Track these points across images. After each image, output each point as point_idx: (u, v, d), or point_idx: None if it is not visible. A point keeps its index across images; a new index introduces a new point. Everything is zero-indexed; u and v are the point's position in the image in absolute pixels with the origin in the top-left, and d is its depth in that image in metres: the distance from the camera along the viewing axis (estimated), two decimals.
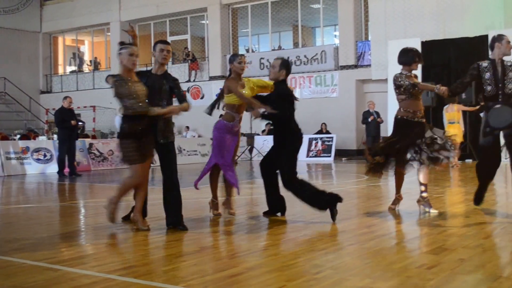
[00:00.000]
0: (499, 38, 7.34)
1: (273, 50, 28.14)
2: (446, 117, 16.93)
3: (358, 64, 25.08)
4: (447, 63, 20.61)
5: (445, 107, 17.28)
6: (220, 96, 7.11)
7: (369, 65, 24.28)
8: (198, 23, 29.81)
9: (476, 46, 20.10)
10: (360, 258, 4.75)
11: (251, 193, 10.38)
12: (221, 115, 7.16)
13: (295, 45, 28.75)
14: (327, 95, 25.28)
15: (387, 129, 20.89)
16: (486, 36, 19.90)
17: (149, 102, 6.02)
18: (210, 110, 7.19)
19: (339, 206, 6.65)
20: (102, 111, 27.59)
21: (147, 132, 5.99)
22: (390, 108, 20.98)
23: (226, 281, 4.06)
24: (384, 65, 22.19)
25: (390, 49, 21.52)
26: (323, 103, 25.02)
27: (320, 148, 22.18)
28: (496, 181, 11.92)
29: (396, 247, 5.24)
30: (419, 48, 20.90)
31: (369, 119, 19.96)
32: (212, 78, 27.41)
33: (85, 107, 27.08)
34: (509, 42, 7.28)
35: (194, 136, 25.07)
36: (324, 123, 23.65)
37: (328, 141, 22.20)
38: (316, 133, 23.24)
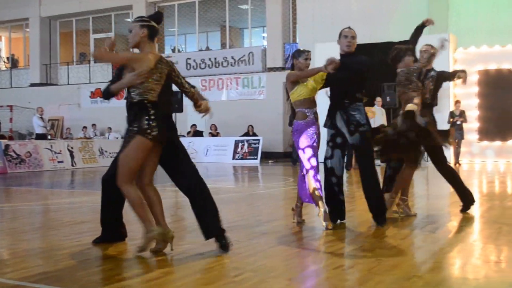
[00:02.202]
0: None
1: (200, 50, 28.12)
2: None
3: (285, 66, 25.33)
4: (374, 66, 21.00)
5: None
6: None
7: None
8: (123, 20, 29.41)
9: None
10: (281, 260, 4.82)
11: (175, 196, 10.34)
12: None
13: (223, 46, 28.81)
14: (255, 97, 25.44)
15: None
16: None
17: None
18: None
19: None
20: (20, 111, 26.85)
21: None
22: (320, 111, 21.29)
23: (143, 285, 4.05)
24: (311, 68, 22.43)
25: (318, 52, 21.89)
26: (250, 105, 25.16)
27: (247, 151, 22.28)
28: (417, 183, 12.34)
29: (316, 249, 5.34)
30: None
31: None
32: None
33: (1, 106, 26.33)
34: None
35: (117, 138, 24.75)
36: (251, 125, 23.77)
37: (255, 144, 22.33)
38: (243, 136, 23.33)
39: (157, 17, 5.15)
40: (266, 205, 8.90)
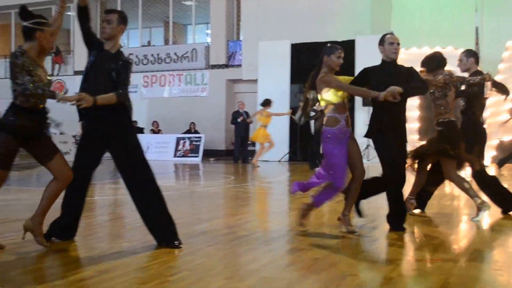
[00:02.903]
0: None
1: (143, 46, 27.85)
2: (257, 119, 17.68)
3: (229, 63, 25.35)
4: (316, 65, 21.15)
5: (258, 110, 18.04)
6: (307, 101, 6.13)
7: (240, 65, 24.61)
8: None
9: (344, 50, 20.78)
10: (218, 259, 4.79)
11: (114, 194, 10.21)
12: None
13: (166, 42, 28.62)
14: (197, 94, 25.31)
15: (255, 129, 21.27)
16: (354, 41, 20.84)
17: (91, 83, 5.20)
18: (303, 117, 6.37)
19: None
20: None
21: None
22: (259, 109, 21.36)
23: (76, 285, 3.96)
24: (255, 66, 22.57)
25: (261, 50, 21.97)
26: (193, 102, 25.05)
27: (188, 148, 22.19)
28: None
29: (255, 247, 5.33)
30: (288, 51, 21.56)
31: (239, 120, 20.12)
32: (77, 73, 26.60)
33: None
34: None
35: (55, 134, 24.27)
36: (193, 123, 23.70)
37: (197, 141, 22.24)
38: (185, 133, 23.25)
39: None
40: (206, 204, 8.86)
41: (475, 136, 7.08)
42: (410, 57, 20.57)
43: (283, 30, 23.03)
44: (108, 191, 10.54)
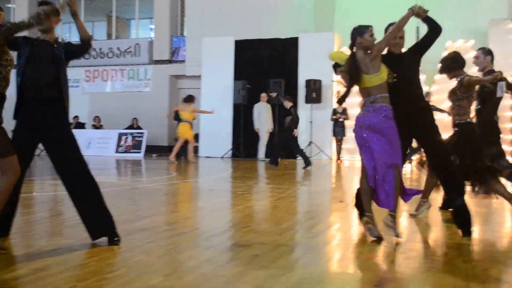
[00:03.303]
0: None
1: None
2: (180, 116, 17.67)
3: (172, 59, 25.22)
4: (260, 62, 21.31)
5: (180, 105, 18.08)
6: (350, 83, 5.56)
7: (183, 61, 24.52)
8: (3, 7, 28.11)
9: (288, 47, 21.08)
10: (157, 256, 4.74)
11: (54, 190, 10.02)
12: None
13: (109, 36, 28.28)
14: (140, 90, 25.15)
15: (199, 125, 21.26)
16: (297, 38, 20.97)
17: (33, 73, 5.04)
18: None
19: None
20: None
21: None
22: (203, 105, 21.33)
23: (10, 283, 3.86)
24: (198, 62, 22.51)
25: (205, 46, 21.92)
26: (136, 97, 24.86)
27: (130, 144, 21.97)
28: (302, 179, 12.60)
29: (194, 244, 5.30)
30: (232, 47, 21.57)
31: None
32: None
33: None
34: None
35: None
36: (135, 118, 23.49)
37: (139, 137, 22.06)
38: (127, 128, 23.01)
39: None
40: (147, 200, 8.78)
41: (492, 137, 7.05)
42: None
43: (227, 26, 23.03)
44: (47, 187, 10.35)
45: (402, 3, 20.97)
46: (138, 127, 23.15)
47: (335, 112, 19.18)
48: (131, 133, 22.37)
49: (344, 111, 18.86)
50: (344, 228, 6.37)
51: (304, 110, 20.22)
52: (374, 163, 5.33)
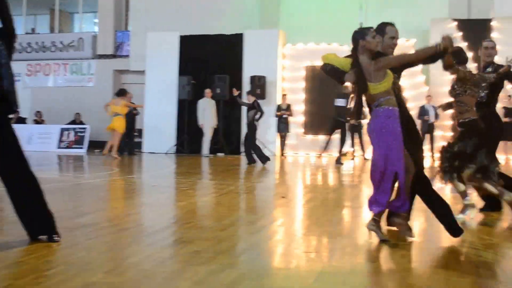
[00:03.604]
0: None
1: (27, 33, 26.89)
2: (111, 109, 17.59)
3: (116, 54, 24.94)
4: (205, 58, 21.25)
5: (112, 100, 18.00)
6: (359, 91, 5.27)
7: (127, 56, 24.27)
8: None
9: (233, 44, 21.09)
10: (98, 253, 4.69)
11: None
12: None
13: (52, 30, 27.74)
14: (83, 84, 24.81)
15: (143, 120, 21.09)
16: (242, 34, 21.00)
17: None
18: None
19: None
20: None
21: None
22: (147, 100, 21.18)
23: None
24: (142, 57, 22.29)
25: (150, 41, 21.73)
26: (79, 92, 24.52)
27: (73, 139, 21.63)
28: (247, 175, 12.63)
29: (136, 240, 5.26)
30: (177, 42, 21.44)
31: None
32: None
33: None
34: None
35: None
36: (78, 113, 23.15)
37: (81, 132, 21.71)
38: (69, 123, 22.65)
39: None
40: (89, 196, 8.67)
41: (498, 130, 6.98)
42: (297, 52, 21.03)
43: (172, 21, 22.88)
44: None
45: (346, 0, 21.44)
46: (81, 122, 22.82)
47: (279, 108, 19.30)
48: (74, 128, 22.02)
49: (288, 108, 18.99)
50: (286, 224, 6.42)
51: None
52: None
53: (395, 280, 3.99)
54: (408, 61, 5.45)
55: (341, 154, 16.22)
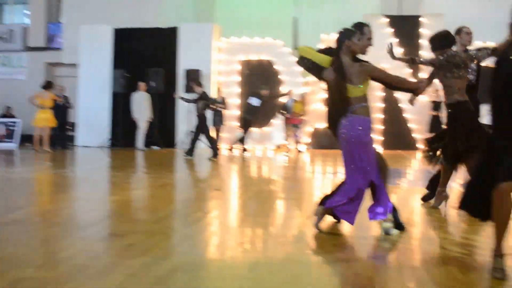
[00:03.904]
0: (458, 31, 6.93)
1: None
2: (39, 102, 17.47)
3: (48, 46, 24.41)
4: (139, 51, 21.01)
5: (37, 93, 17.72)
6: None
7: (60, 49, 23.80)
8: None
9: (168, 37, 20.98)
10: (30, 248, 4.61)
11: None
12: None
13: None
14: (14, 77, 24.20)
15: (76, 114, 20.74)
16: (177, 28, 20.90)
17: None
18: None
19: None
20: None
21: None
22: (81, 94, 20.85)
23: None
24: (75, 50, 21.90)
25: (83, 33, 21.35)
26: (9, 85, 23.89)
27: (4, 133, 21.08)
28: (182, 167, 12.59)
29: (69, 234, 5.19)
30: (111, 35, 21.16)
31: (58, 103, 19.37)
32: None
33: None
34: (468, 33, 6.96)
35: None
36: (9, 107, 22.58)
37: (12, 126, 21.17)
38: None
39: None
40: (20, 191, 8.48)
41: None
42: (232, 46, 21.06)
43: (105, 14, 22.59)
44: None
45: None
46: (12, 116, 22.26)
47: (214, 101, 19.28)
48: (4, 122, 21.43)
49: (223, 101, 19.00)
50: (220, 216, 6.45)
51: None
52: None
53: (326, 269, 4.08)
54: (389, 81, 5.38)
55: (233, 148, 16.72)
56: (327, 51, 5.48)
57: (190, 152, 15.00)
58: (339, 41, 5.21)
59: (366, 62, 5.31)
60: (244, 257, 4.38)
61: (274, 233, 5.33)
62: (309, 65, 5.43)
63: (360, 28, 5.32)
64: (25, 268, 3.91)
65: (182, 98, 16.52)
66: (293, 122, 18.43)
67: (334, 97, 5.29)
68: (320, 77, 5.42)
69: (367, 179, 5.07)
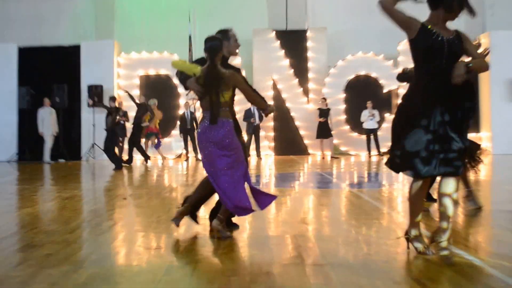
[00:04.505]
0: None
1: None
2: None
3: None
4: (43, 68, 20.52)
5: None
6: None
7: None
8: None
9: (70, 55, 20.59)
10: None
11: None
12: None
13: None
14: None
15: None
16: (79, 46, 20.54)
17: None
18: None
19: None
20: None
21: None
22: None
23: None
24: None
25: None
26: None
27: None
28: (84, 178, 12.33)
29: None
30: (15, 54, 20.46)
31: None
32: None
33: None
34: None
35: None
36: None
37: None
38: None
39: None
40: None
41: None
42: (131, 61, 20.87)
43: (9, 32, 21.90)
44: None
45: (172, 13, 21.55)
46: None
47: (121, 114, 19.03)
48: None
49: (125, 114, 18.75)
50: (129, 223, 6.41)
51: (87, 114, 20.00)
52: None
53: (238, 269, 4.16)
54: (246, 95, 5.40)
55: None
56: (199, 61, 5.52)
57: (128, 161, 15.23)
58: (214, 50, 5.20)
59: (238, 69, 5.54)
60: (159, 261, 4.38)
61: (183, 236, 5.36)
62: (181, 77, 5.45)
63: (226, 34, 5.52)
64: None
65: (101, 104, 16.80)
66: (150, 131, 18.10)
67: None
68: (185, 86, 5.42)
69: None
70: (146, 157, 16.65)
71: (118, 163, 15.01)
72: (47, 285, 3.68)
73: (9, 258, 4.52)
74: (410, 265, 4.20)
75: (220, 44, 5.25)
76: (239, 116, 19.42)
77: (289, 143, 20.69)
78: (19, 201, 8.72)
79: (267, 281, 3.77)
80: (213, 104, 5.18)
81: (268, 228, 5.84)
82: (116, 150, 16.38)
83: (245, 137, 19.08)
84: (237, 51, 5.68)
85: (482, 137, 20.47)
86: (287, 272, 4.00)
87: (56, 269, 4.07)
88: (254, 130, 18.93)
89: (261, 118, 18.93)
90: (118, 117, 17.22)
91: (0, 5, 22.49)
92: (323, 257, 4.43)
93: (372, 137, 19.51)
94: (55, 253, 4.58)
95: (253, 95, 5.50)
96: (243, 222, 5.89)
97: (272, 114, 20.23)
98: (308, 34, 21.03)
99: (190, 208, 5.48)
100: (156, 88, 20.53)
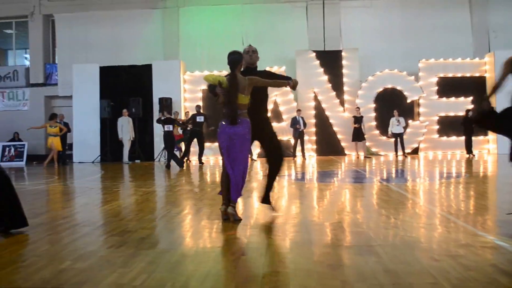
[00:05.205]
0: None
1: None
2: (48, 131, 18.30)
3: (46, 82, 24.02)
4: (121, 84, 20.96)
5: (48, 122, 18.46)
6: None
7: (56, 84, 23.49)
8: None
9: (143, 73, 20.92)
10: (60, 245, 4.57)
11: None
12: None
13: None
14: (19, 108, 23.73)
15: (72, 135, 20.40)
16: (151, 65, 20.89)
17: None
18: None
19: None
20: None
21: None
22: (75, 120, 20.57)
23: None
24: (69, 84, 21.80)
25: (75, 71, 21.11)
26: (15, 115, 23.43)
27: (13, 154, 20.58)
28: (158, 176, 12.47)
29: (88, 233, 5.15)
30: (97, 72, 20.94)
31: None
32: None
33: None
34: None
35: None
36: (16, 132, 22.10)
37: (20, 148, 20.73)
38: (9, 141, 21.58)
39: None
40: (36, 200, 8.30)
41: None
42: (195, 78, 21.09)
43: (92, 55, 22.54)
44: None
45: (229, 36, 21.73)
46: (19, 140, 21.79)
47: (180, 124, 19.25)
48: (14, 145, 20.96)
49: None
50: (204, 213, 6.44)
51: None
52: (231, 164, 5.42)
53: (303, 251, 4.16)
54: (270, 85, 5.65)
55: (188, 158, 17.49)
56: (228, 75, 5.60)
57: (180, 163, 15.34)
58: (236, 62, 5.44)
59: (259, 72, 5.76)
60: (236, 243, 4.42)
61: (251, 224, 5.38)
62: (210, 88, 5.62)
63: (244, 51, 5.79)
64: (62, 262, 3.88)
65: (178, 122, 16.87)
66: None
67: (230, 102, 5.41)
68: (214, 93, 5.56)
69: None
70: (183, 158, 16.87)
71: (180, 163, 15.23)
72: (146, 263, 3.77)
73: (109, 241, 4.62)
74: (446, 244, 4.14)
75: (239, 57, 5.49)
76: (286, 123, 19.46)
77: (328, 146, 20.63)
78: (108, 195, 8.90)
79: (330, 259, 3.77)
80: (233, 106, 5.33)
81: (323, 216, 5.82)
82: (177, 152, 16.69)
83: (291, 140, 19.13)
84: (254, 61, 5.80)
85: (489, 139, 20.33)
86: (347, 252, 4.00)
87: (151, 250, 4.16)
88: (299, 135, 18.89)
89: (305, 125, 18.97)
90: (186, 124, 17.38)
91: (83, 32, 23.08)
92: (371, 239, 4.41)
93: (398, 140, 19.42)
94: (147, 237, 4.68)
95: (272, 83, 5.64)
96: (333, 216, 5.86)
97: (314, 121, 20.22)
98: (343, 54, 21.00)
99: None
100: (214, 100, 20.67)
